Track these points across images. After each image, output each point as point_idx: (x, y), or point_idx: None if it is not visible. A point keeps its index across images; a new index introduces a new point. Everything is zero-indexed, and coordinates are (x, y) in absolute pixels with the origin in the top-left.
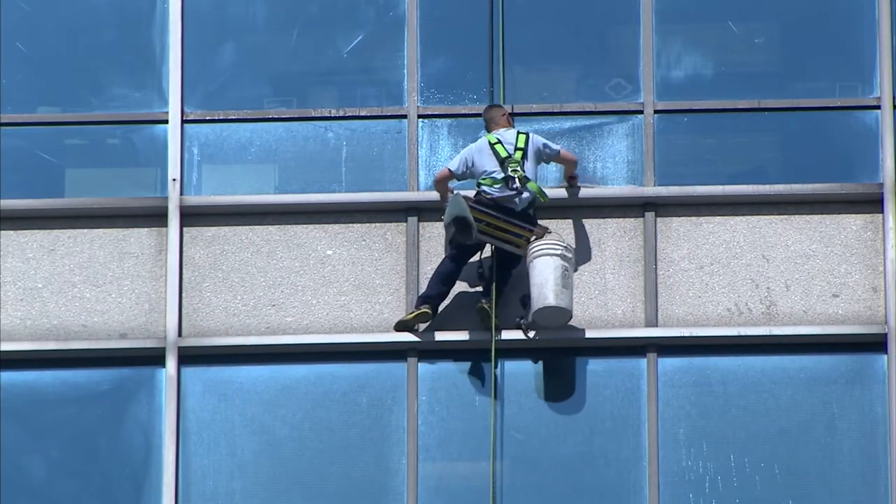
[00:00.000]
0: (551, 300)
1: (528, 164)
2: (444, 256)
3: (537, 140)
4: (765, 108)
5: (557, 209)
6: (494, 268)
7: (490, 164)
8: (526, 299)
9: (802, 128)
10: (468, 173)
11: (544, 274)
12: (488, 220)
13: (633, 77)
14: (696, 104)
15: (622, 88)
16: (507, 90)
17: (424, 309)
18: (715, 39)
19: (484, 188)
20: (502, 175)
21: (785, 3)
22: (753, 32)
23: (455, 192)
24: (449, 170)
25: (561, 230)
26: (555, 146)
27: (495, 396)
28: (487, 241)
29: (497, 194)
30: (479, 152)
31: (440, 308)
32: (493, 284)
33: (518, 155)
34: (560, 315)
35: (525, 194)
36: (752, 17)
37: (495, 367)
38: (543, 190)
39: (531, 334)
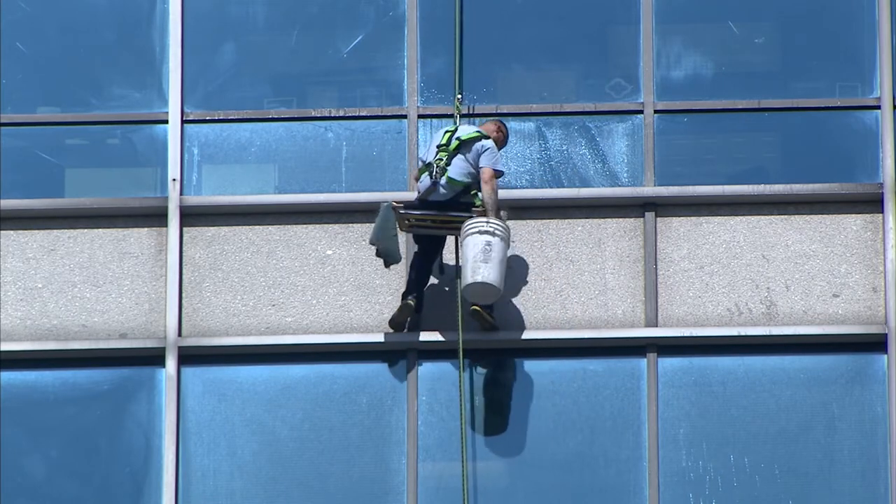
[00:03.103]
0: (468, 279)
1: (464, 158)
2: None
3: (485, 143)
4: (765, 108)
5: (558, 209)
6: (459, 261)
7: (427, 156)
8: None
9: (802, 128)
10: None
11: (466, 254)
12: (431, 218)
13: (633, 77)
14: (696, 104)
15: (622, 88)
16: (508, 90)
17: (408, 301)
18: (715, 39)
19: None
20: (428, 161)
21: (785, 3)
22: (753, 32)
23: (385, 202)
24: (420, 160)
25: (561, 230)
26: (487, 160)
27: (462, 396)
28: (437, 234)
29: (422, 187)
30: (425, 143)
31: (435, 299)
32: (458, 276)
33: (454, 145)
34: (486, 289)
35: (444, 185)
36: (752, 17)
37: (462, 365)
38: (457, 179)
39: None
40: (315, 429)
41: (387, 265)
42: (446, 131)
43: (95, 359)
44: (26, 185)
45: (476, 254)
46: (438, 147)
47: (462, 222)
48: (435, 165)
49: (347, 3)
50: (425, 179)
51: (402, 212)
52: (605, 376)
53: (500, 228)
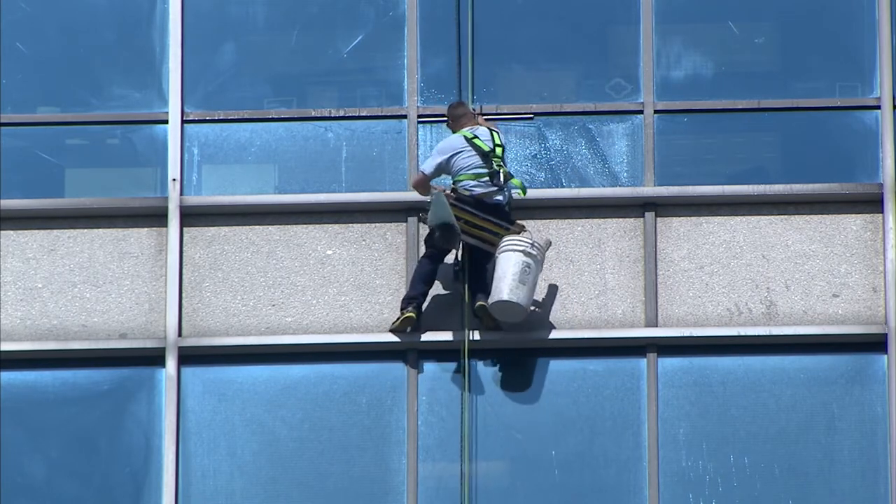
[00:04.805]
0: (504, 295)
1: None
2: (421, 256)
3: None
4: (765, 108)
5: (558, 209)
6: (467, 266)
7: (470, 160)
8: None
9: (802, 128)
10: (443, 171)
11: (504, 268)
12: (466, 218)
13: (633, 77)
14: (696, 104)
15: (622, 88)
16: (508, 90)
17: (409, 313)
18: (715, 39)
19: (465, 183)
20: (486, 170)
21: (785, 3)
22: (753, 32)
23: (437, 189)
24: (423, 173)
25: (561, 230)
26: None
27: (468, 393)
28: (464, 240)
29: (480, 190)
30: (455, 149)
31: (430, 304)
32: (465, 283)
33: (499, 151)
34: (514, 309)
35: (506, 190)
36: (752, 17)
37: (466, 363)
38: (525, 185)
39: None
40: (315, 429)
41: (449, 242)
42: (469, 139)
43: (95, 359)
44: (26, 185)
45: (516, 273)
46: (488, 154)
47: (495, 233)
48: (500, 171)
49: (347, 3)
50: (484, 184)
51: (451, 202)
52: (605, 376)
53: (541, 254)
